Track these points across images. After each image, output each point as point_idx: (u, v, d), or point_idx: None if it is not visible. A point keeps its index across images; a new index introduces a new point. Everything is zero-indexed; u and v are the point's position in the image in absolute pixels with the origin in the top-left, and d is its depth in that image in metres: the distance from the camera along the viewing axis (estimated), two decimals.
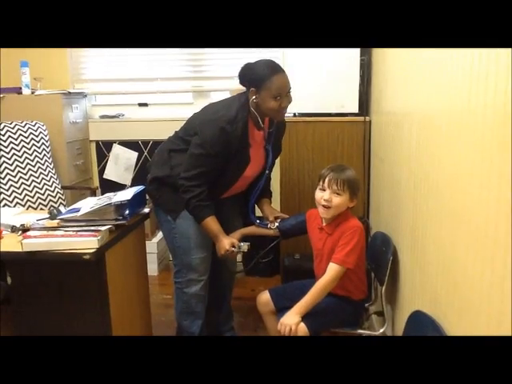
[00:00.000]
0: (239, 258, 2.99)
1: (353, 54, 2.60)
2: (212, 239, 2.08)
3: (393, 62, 2.07)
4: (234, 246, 2.01)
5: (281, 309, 1.94)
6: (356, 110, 2.67)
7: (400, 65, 1.90)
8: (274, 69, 1.97)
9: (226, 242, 2.01)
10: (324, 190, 1.86)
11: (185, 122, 2.20)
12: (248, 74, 2.01)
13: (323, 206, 1.86)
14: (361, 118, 2.66)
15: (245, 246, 2.03)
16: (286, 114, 2.73)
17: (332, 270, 1.80)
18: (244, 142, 2.05)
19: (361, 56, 2.62)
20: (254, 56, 3.35)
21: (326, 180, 1.85)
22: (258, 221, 2.20)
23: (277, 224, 2.15)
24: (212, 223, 2.04)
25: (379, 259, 1.99)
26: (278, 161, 2.81)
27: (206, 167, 2.01)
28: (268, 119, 2.12)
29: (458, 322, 1.13)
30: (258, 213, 2.32)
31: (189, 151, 2.05)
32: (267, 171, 2.20)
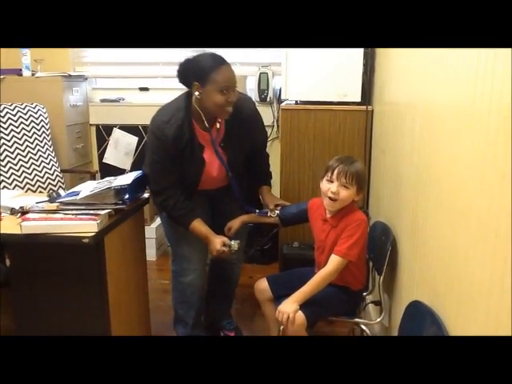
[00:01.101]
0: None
1: None
2: (203, 241, 2.04)
3: (397, 51, 2.05)
4: (225, 245, 1.98)
5: (279, 296, 1.94)
6: (358, 98, 2.65)
7: (404, 55, 1.88)
8: (219, 60, 1.86)
9: (216, 242, 1.98)
10: (332, 182, 1.82)
11: None
12: (190, 68, 1.89)
13: (330, 198, 1.83)
14: (363, 107, 2.64)
15: (235, 245, 1.99)
16: (286, 102, 2.76)
17: (334, 261, 1.80)
18: (191, 144, 1.96)
19: None
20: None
21: (335, 172, 1.81)
22: (257, 210, 2.19)
23: (277, 212, 2.13)
24: (198, 227, 2.01)
25: (378, 249, 1.99)
26: (277, 149, 2.82)
27: (162, 175, 1.99)
28: None
29: (457, 313, 1.13)
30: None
31: (146, 160, 2.05)
32: (229, 174, 2.08)
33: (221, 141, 2.04)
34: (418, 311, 1.34)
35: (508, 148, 0.85)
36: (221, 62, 1.86)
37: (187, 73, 1.90)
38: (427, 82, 1.48)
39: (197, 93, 1.88)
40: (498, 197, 0.90)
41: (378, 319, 1.97)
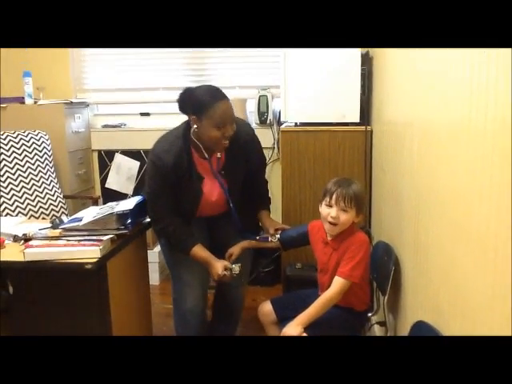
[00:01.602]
0: None
1: (353, 64, 2.62)
2: (204, 266, 2.03)
3: (393, 72, 2.08)
4: (226, 269, 1.98)
5: (283, 319, 1.93)
6: (357, 119, 2.68)
7: (401, 75, 1.91)
8: (216, 95, 1.85)
9: (218, 266, 1.97)
10: (331, 207, 1.82)
11: None
12: (188, 100, 1.89)
13: (330, 222, 1.83)
14: (362, 128, 2.66)
15: (237, 268, 1.99)
16: (286, 124, 2.78)
17: (337, 283, 1.79)
18: (189, 174, 1.97)
19: (362, 66, 2.63)
20: (256, 64, 3.43)
21: (334, 197, 1.80)
22: (257, 237, 2.17)
23: (278, 236, 2.12)
24: (198, 252, 2.01)
25: (381, 269, 1.99)
26: (278, 170, 2.83)
27: (161, 203, 1.99)
28: None
29: (461, 331, 1.12)
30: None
31: (144, 188, 2.05)
32: (231, 205, 2.09)
33: (221, 168, 2.05)
34: (422, 332, 1.34)
35: (505, 165, 0.86)
36: (217, 97, 1.85)
37: (185, 104, 1.92)
38: (424, 101, 1.50)
39: (195, 125, 1.89)
40: (497, 214, 0.91)
41: None
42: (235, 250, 2.11)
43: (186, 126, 1.98)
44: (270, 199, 2.33)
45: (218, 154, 2.01)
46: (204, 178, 2.03)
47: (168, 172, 1.93)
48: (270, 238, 2.13)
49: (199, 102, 1.86)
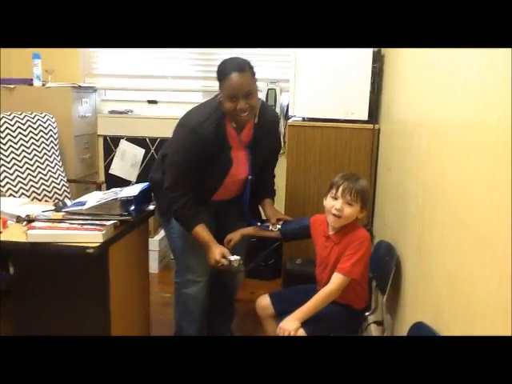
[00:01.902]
0: None
1: (365, 61, 2.60)
2: (204, 248, 2.02)
3: (405, 70, 2.06)
4: (224, 257, 1.95)
5: (281, 313, 1.93)
6: (365, 117, 2.66)
7: (412, 74, 1.89)
8: (232, 67, 1.85)
9: (216, 252, 1.95)
10: (336, 199, 1.82)
11: None
12: (217, 71, 1.93)
13: (334, 214, 1.83)
14: (370, 126, 2.65)
15: (236, 261, 1.95)
16: (294, 118, 2.77)
17: (337, 279, 1.79)
18: (222, 144, 1.98)
19: (373, 63, 2.61)
20: (266, 57, 3.41)
21: (340, 189, 1.81)
22: (258, 223, 2.18)
23: (279, 226, 2.12)
24: (201, 232, 1.99)
25: (382, 268, 1.98)
26: (284, 164, 2.82)
27: (184, 174, 1.98)
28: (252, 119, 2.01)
29: (461, 334, 1.12)
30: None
31: (167, 159, 2.02)
32: (249, 176, 2.10)
33: (248, 143, 2.06)
34: (421, 333, 1.33)
35: None
36: (232, 69, 1.86)
37: (216, 74, 1.94)
38: (435, 101, 1.49)
39: (219, 95, 1.93)
40: (504, 217, 0.90)
41: None
42: (235, 235, 2.11)
43: (218, 98, 1.99)
44: (274, 191, 2.32)
45: (248, 127, 2.02)
46: (232, 148, 2.03)
47: (209, 141, 1.93)
48: (270, 227, 2.12)
49: (220, 72, 1.90)
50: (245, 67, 1.88)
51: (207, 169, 2.00)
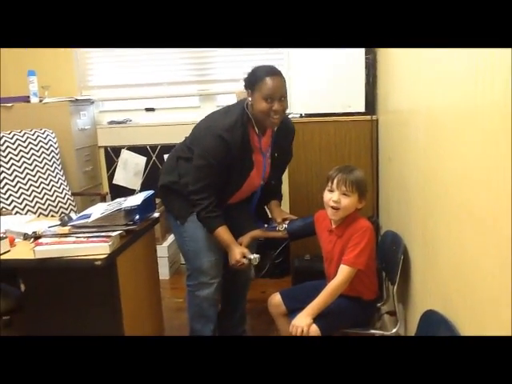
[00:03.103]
0: None
1: (357, 54, 2.60)
2: (224, 249, 2.09)
3: (398, 60, 2.06)
4: (244, 257, 2.02)
5: (292, 310, 1.94)
6: (363, 109, 2.66)
7: (405, 63, 1.89)
8: (269, 71, 1.97)
9: (237, 252, 2.02)
10: (332, 192, 1.85)
11: (192, 128, 2.21)
12: (248, 76, 2.02)
13: (332, 207, 1.85)
14: (367, 117, 2.65)
15: (255, 259, 2.03)
16: (292, 115, 2.77)
17: (343, 271, 1.80)
18: (246, 148, 2.05)
19: (366, 55, 2.61)
20: (259, 58, 3.41)
21: (335, 181, 1.84)
22: (265, 225, 2.21)
23: (285, 226, 2.14)
24: (223, 233, 2.05)
25: (390, 258, 1.99)
26: None
27: (210, 178, 2.02)
28: None
29: (471, 321, 1.12)
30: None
31: (193, 163, 2.06)
32: (262, 180, 2.18)
33: (266, 149, 2.14)
34: (432, 320, 1.33)
35: (511, 149, 0.85)
36: (269, 72, 1.96)
37: (246, 80, 2.03)
38: (428, 88, 1.49)
39: (249, 99, 2.00)
40: (506, 201, 0.90)
41: (394, 330, 1.95)
42: (245, 239, 2.13)
43: (245, 101, 2.06)
44: (281, 196, 2.38)
45: (268, 133, 2.10)
46: (254, 152, 2.10)
47: (237, 145, 1.99)
48: (277, 227, 2.16)
49: (254, 76, 1.99)
50: (280, 72, 1.99)
51: (231, 172, 2.06)
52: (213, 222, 2.05)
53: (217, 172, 2.02)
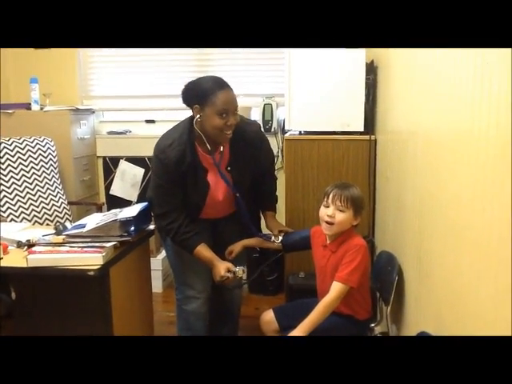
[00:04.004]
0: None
1: (358, 73, 2.62)
2: (207, 266, 2.03)
3: (398, 81, 2.08)
4: (229, 271, 1.96)
5: (285, 328, 1.92)
6: (361, 128, 2.67)
7: (405, 84, 1.91)
8: (219, 83, 1.88)
9: (220, 268, 1.96)
10: (328, 207, 1.86)
11: None
12: (192, 90, 1.91)
13: (326, 222, 1.85)
14: (366, 137, 2.66)
15: (240, 271, 1.97)
16: (290, 133, 2.78)
17: (335, 288, 1.79)
18: (194, 168, 1.97)
19: (366, 75, 2.64)
20: (260, 75, 3.44)
21: (330, 196, 1.85)
22: (261, 234, 2.19)
23: (281, 238, 2.13)
24: (203, 251, 2.00)
25: (384, 279, 1.98)
26: (282, 179, 2.83)
27: (166, 198, 1.99)
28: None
29: None
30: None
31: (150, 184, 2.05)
32: (237, 194, 2.06)
33: (226, 164, 2.05)
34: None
35: (507, 173, 0.86)
36: (221, 85, 1.87)
37: (189, 94, 1.93)
38: (427, 110, 1.50)
39: (198, 115, 1.90)
40: (499, 223, 0.90)
41: None
42: (236, 247, 2.12)
43: (190, 120, 1.99)
44: (276, 197, 2.32)
45: (221, 148, 1.99)
46: (208, 171, 2.02)
47: (172, 167, 1.93)
48: (272, 238, 2.13)
49: (203, 90, 1.87)
50: (228, 84, 1.90)
51: (186, 191, 2.01)
52: (190, 244, 2.00)
53: (170, 193, 1.98)
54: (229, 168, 2.05)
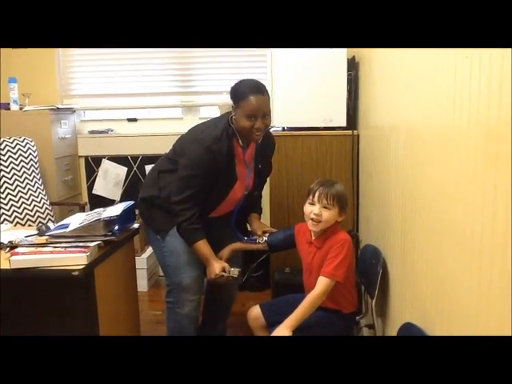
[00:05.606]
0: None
1: (340, 69, 2.64)
2: (203, 262, 2.05)
3: (379, 77, 2.10)
4: (224, 271, 1.99)
5: (272, 323, 1.93)
6: (344, 123, 2.69)
7: (386, 80, 1.93)
8: (253, 89, 1.95)
9: (216, 266, 1.99)
10: (313, 205, 1.87)
11: (174, 140, 2.21)
12: (232, 90, 2.02)
13: (312, 219, 1.87)
14: (349, 132, 2.68)
15: (235, 272, 2.00)
16: (274, 129, 2.79)
17: (322, 283, 1.81)
18: (230, 160, 2.05)
19: (348, 71, 2.65)
20: (244, 71, 3.43)
21: (316, 194, 1.86)
22: (245, 238, 2.21)
23: (265, 238, 2.15)
24: (203, 246, 2.02)
25: (369, 272, 2.00)
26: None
27: (195, 188, 2.01)
28: None
29: (447, 333, 1.14)
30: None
31: (178, 173, 2.04)
32: (245, 192, 2.17)
33: (249, 161, 2.14)
34: (410, 333, 1.35)
35: (488, 167, 0.87)
36: (254, 90, 1.94)
37: (231, 93, 2.02)
38: (408, 105, 1.52)
39: (233, 113, 2.01)
40: (481, 216, 0.92)
41: None
42: (224, 252, 2.13)
43: (229, 116, 2.07)
44: (261, 210, 2.38)
45: (253, 144, 2.11)
46: (237, 165, 2.10)
47: (221, 157, 1.99)
48: (257, 240, 2.16)
49: (238, 92, 1.98)
50: (264, 90, 1.98)
51: (215, 184, 2.05)
52: (193, 235, 2.03)
53: (202, 183, 2.01)
54: (252, 166, 2.16)
